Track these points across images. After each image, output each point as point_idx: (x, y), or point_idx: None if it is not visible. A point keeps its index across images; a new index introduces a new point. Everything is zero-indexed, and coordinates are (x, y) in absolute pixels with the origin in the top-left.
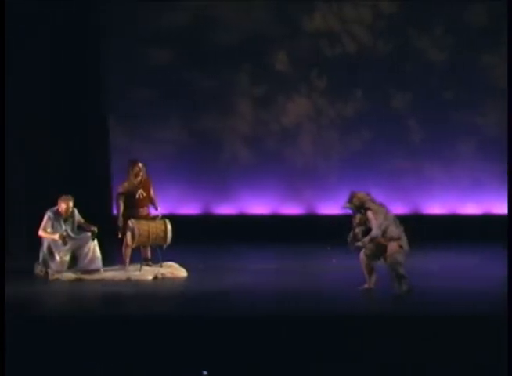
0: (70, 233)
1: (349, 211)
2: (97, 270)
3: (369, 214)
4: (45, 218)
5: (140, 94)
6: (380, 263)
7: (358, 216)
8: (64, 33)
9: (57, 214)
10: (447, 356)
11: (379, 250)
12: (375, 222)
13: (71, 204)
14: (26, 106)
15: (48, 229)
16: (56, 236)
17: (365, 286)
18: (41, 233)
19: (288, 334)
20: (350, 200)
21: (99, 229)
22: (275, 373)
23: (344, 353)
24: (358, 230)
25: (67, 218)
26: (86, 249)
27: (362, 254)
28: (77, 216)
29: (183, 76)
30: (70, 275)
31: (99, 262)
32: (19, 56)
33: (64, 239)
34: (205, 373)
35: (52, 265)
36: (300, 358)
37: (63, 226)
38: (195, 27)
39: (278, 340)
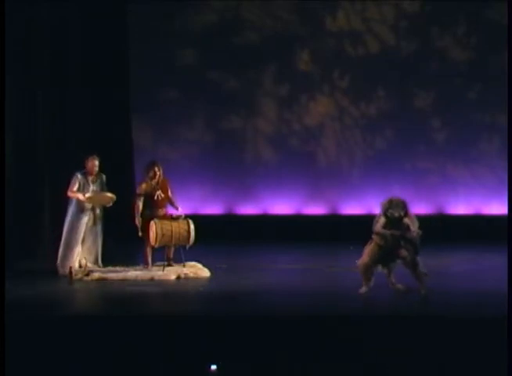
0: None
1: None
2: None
3: (407, 220)
4: (73, 179)
5: (164, 94)
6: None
7: (382, 219)
8: (91, 32)
9: (85, 174)
10: (468, 358)
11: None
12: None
13: (97, 162)
14: (52, 105)
15: (75, 188)
16: (81, 196)
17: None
18: (69, 193)
19: (310, 334)
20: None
21: (121, 229)
22: (299, 372)
23: (366, 352)
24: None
25: (96, 179)
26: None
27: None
28: (104, 180)
29: (207, 76)
30: (93, 274)
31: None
32: (46, 54)
33: (90, 199)
34: (214, 367)
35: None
36: (324, 357)
37: (91, 186)
38: (219, 27)
39: (300, 339)
